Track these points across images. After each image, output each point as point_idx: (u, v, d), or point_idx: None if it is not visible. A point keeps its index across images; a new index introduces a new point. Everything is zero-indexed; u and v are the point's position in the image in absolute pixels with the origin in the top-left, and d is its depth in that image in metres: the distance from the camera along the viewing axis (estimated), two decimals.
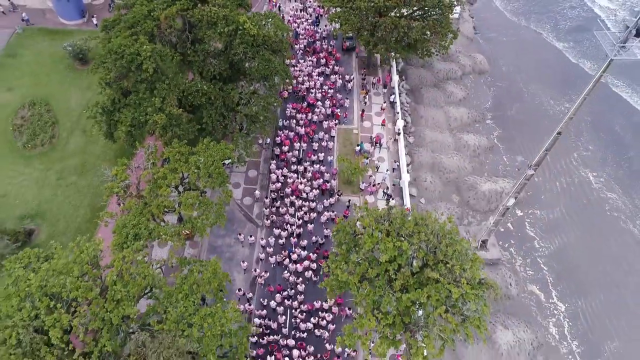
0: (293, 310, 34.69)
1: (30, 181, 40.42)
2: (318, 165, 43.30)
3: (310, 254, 37.53)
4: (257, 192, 41.12)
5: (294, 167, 43.15)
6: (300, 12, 60.56)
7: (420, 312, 26.13)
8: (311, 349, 32.74)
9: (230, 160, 35.60)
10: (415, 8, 43.96)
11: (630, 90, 54.62)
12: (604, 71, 23.92)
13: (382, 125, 46.40)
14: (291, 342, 33.06)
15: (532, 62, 56.50)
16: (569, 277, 38.77)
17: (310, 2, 61.30)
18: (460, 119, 48.85)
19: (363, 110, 47.39)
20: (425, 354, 25.86)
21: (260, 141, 44.33)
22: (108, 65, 32.22)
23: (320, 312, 34.34)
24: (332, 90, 49.64)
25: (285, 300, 35.25)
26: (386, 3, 41.18)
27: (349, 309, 33.99)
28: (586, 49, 58.74)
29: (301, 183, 42.09)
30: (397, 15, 43.01)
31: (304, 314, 34.39)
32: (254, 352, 32.26)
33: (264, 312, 34.69)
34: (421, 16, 44.06)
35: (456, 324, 25.52)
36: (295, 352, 32.49)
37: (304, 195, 41.42)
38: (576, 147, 48.28)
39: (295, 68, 51.30)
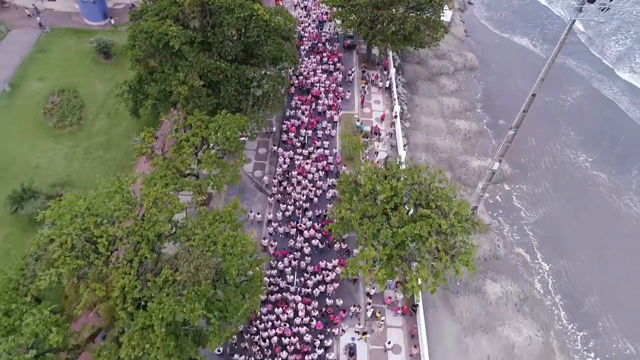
0: (300, 271, 37.83)
1: (60, 155, 44.40)
2: (322, 149, 47.27)
3: (315, 224, 41.07)
4: (265, 177, 44.50)
5: (299, 151, 47.07)
6: (305, 17, 65.76)
7: (414, 245, 29.66)
8: (315, 304, 35.83)
9: (246, 137, 39.53)
10: (410, 6, 48.88)
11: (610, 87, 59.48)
12: (567, 32, 28.26)
13: (381, 120, 50.54)
14: (297, 298, 36.24)
15: (518, 61, 61.34)
16: (552, 241, 42.31)
17: (313, 9, 66.58)
18: (452, 107, 53.23)
19: (363, 97, 51.76)
20: (419, 282, 29.28)
21: (267, 130, 48.24)
22: (139, 43, 36.66)
23: (324, 272, 37.66)
24: (334, 85, 54.11)
25: (292, 261, 38.60)
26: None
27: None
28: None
29: (307, 164, 45.97)
30: (394, 10, 47.85)
31: (310, 274, 37.68)
32: (265, 308, 35.29)
33: (274, 271, 37.96)
34: (415, 12, 48.87)
35: (447, 259, 29.08)
36: (301, 306, 35.63)
37: (310, 176, 45.18)
38: (561, 134, 52.49)
39: (301, 65, 55.94)
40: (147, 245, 24.72)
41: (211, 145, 36.12)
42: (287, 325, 34.29)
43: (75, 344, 25.27)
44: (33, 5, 61.00)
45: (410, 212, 30.57)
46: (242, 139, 38.52)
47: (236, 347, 32.69)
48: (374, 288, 35.20)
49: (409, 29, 47.56)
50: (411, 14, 48.01)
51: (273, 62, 42.14)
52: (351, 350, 32.49)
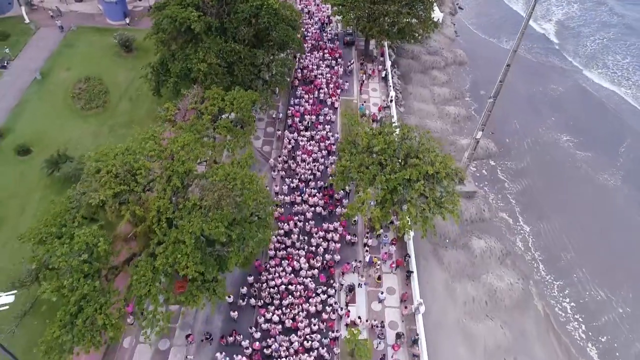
0: (305, 232, 41.98)
1: (87, 133, 49.18)
2: (324, 132, 52.04)
3: (318, 193, 45.51)
4: (271, 160, 48.83)
5: (303, 134, 51.78)
6: (309, 20, 71.49)
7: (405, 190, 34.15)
8: (319, 258, 39.91)
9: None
10: (403, 2, 54.36)
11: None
12: (532, 7, 33.41)
13: (378, 110, 55.41)
14: (302, 252, 40.42)
15: (502, 58, 66.53)
16: (533, 207, 46.75)
17: (316, 13, 72.37)
18: (443, 95, 58.34)
19: (362, 84, 56.90)
20: (409, 222, 33.62)
21: (275, 115, 53.03)
22: (164, 27, 41.87)
23: (327, 234, 41.84)
24: (335, 77, 59.26)
25: (298, 223, 42.88)
26: None
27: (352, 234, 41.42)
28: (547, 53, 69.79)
29: (310, 145, 50.68)
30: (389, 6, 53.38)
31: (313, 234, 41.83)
32: (272, 261, 39.41)
33: (281, 231, 42.19)
34: (408, 8, 54.35)
35: (434, 204, 33.58)
36: (304, 260, 39.68)
37: (313, 155, 49.80)
38: (544, 120, 57.46)
39: (305, 59, 61.24)
40: (178, 178, 29.27)
41: (226, 115, 40.96)
42: (293, 275, 38.45)
43: (113, 265, 29.58)
44: (56, 7, 66.81)
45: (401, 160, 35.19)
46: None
47: (246, 296, 36.64)
48: (371, 239, 39.50)
49: (403, 22, 52.99)
50: (404, 10, 53.43)
51: (281, 47, 47.31)
52: (350, 287, 36.58)
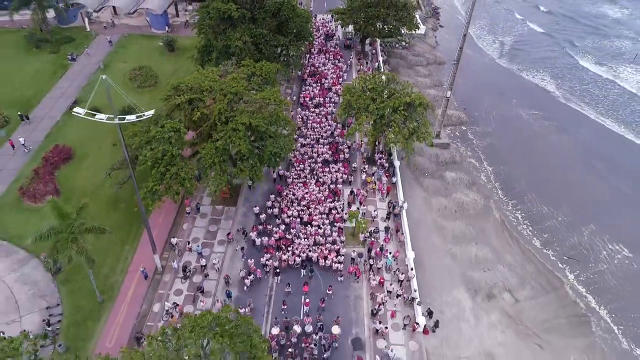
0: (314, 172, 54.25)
1: (142, 103, 62.32)
2: (330, 109, 65.46)
3: (325, 148, 58.22)
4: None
5: (312, 110, 65.04)
6: (316, 32, 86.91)
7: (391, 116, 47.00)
8: (327, 184, 51.97)
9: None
10: (391, 11, 69.50)
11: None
12: (471, 11, 47.85)
13: None
14: (312, 181, 52.39)
15: (474, 61, 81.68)
16: (495, 156, 59.41)
17: (321, 28, 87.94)
18: (425, 83, 72.37)
19: (359, 71, 71.08)
20: (393, 137, 46.19)
21: (290, 97, 66.59)
22: (211, 15, 56.27)
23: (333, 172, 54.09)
24: (337, 71, 73.52)
25: (310, 165, 55.21)
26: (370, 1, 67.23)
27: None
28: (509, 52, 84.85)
29: (318, 117, 63.95)
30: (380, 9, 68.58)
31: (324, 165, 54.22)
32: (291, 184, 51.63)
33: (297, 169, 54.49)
34: (394, 11, 69.47)
35: (413, 126, 46.41)
36: (314, 187, 51.68)
37: (321, 124, 62.91)
38: (509, 100, 71.32)
39: (312, 58, 75.81)
40: (231, 94, 42.28)
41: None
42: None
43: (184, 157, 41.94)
44: (110, 19, 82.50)
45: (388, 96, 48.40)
46: None
47: (271, 207, 48.40)
48: (367, 173, 51.90)
49: (391, 24, 67.96)
50: (392, 13, 68.53)
51: (296, 35, 61.66)
52: (352, 193, 48.65)
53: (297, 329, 36.08)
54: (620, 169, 58.17)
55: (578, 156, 60.28)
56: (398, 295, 39.08)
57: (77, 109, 30.08)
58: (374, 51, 77.22)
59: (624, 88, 76.72)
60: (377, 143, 52.58)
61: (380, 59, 74.07)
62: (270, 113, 42.81)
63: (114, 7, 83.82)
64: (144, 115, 31.06)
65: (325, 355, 34.51)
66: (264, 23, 59.11)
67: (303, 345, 35.11)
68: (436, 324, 37.78)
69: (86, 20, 79.50)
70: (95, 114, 30.09)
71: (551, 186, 54.71)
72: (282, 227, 45.88)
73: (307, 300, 38.45)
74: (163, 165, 38.10)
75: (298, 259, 42.08)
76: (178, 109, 42.12)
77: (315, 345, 34.87)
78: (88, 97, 62.94)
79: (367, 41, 76.26)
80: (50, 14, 75.70)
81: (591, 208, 52.03)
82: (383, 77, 50.12)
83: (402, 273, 40.62)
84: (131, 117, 31.10)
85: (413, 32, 71.09)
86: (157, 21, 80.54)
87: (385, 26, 69.26)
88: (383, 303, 38.35)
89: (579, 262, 46.21)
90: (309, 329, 36.26)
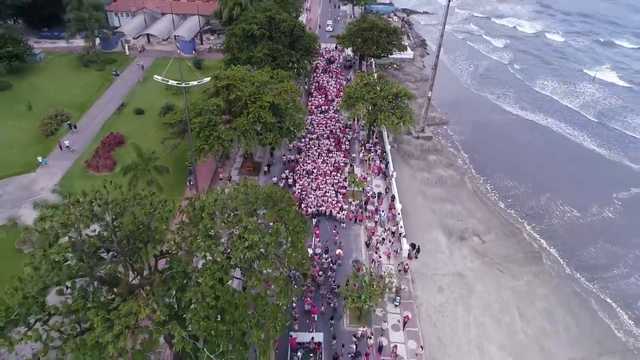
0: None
1: (179, 103, 75.38)
2: (332, 114, 78.36)
3: (329, 140, 70.57)
4: None
5: (318, 114, 77.83)
6: (321, 58, 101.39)
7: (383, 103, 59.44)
8: (331, 161, 63.98)
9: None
10: (383, 34, 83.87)
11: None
12: (445, 17, 61.56)
13: None
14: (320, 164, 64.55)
15: (454, 80, 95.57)
16: (471, 146, 71.49)
17: (325, 55, 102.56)
18: (413, 94, 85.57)
19: None
20: (382, 119, 58.46)
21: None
22: (237, 32, 70.17)
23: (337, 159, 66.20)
24: (339, 85, 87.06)
25: (315, 148, 67.27)
26: (364, 25, 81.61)
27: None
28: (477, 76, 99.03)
29: (323, 120, 76.76)
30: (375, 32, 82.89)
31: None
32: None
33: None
34: (386, 35, 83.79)
35: (400, 113, 58.96)
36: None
37: (325, 126, 75.66)
38: (478, 108, 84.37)
39: (317, 76, 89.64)
40: (258, 83, 54.95)
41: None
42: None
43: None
44: (142, 45, 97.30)
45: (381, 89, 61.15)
46: None
47: (286, 178, 60.19)
48: (364, 153, 63.89)
49: (383, 45, 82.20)
50: (384, 37, 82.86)
51: (305, 51, 75.41)
52: (352, 166, 60.44)
53: (310, 251, 46.82)
54: (567, 157, 70.53)
55: (538, 148, 72.42)
56: (392, 233, 50.04)
57: (156, 76, 42.38)
58: (371, 69, 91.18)
59: (561, 103, 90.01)
60: (371, 131, 64.94)
61: (374, 70, 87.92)
62: (288, 96, 55.38)
63: (148, 36, 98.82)
64: (202, 80, 43.36)
65: (332, 266, 45.15)
66: (280, 40, 73.01)
67: (315, 262, 45.82)
68: (418, 250, 48.44)
69: (126, 46, 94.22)
70: (167, 80, 42.37)
71: (516, 169, 66.40)
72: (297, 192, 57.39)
73: (318, 232, 49.43)
74: (208, 130, 50.16)
75: (310, 210, 53.23)
76: (216, 95, 54.61)
77: (325, 260, 45.60)
78: (132, 101, 76.71)
79: (365, 63, 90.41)
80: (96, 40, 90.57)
81: (548, 184, 63.45)
82: (375, 75, 63.19)
83: (394, 225, 51.63)
84: (193, 82, 43.35)
85: (402, 53, 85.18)
86: (186, 46, 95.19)
87: (378, 48, 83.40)
88: (378, 242, 49.28)
89: (536, 218, 57.19)
90: (318, 251, 47.04)
